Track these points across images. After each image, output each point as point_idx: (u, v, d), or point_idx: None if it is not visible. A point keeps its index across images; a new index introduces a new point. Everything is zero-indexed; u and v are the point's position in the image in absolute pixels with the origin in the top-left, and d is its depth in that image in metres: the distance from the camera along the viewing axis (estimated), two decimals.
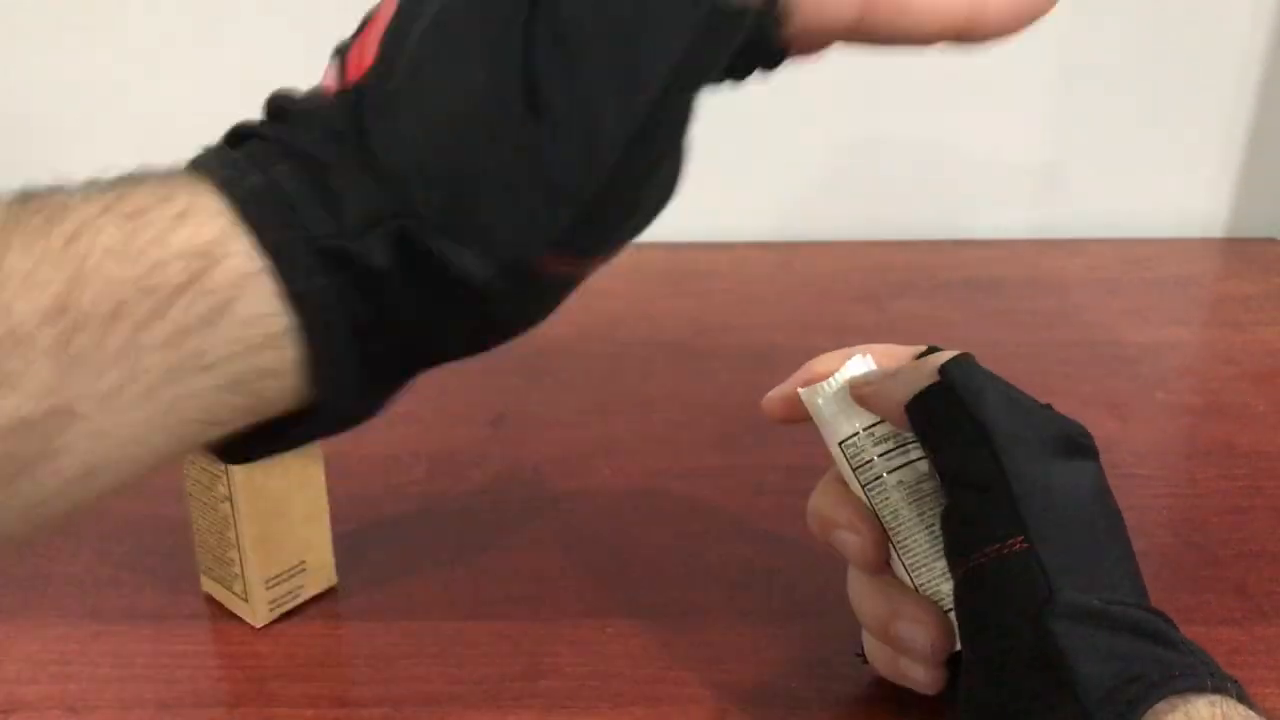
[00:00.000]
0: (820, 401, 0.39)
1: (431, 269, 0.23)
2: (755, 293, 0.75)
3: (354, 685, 0.42)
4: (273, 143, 0.24)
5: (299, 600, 0.46)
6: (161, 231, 0.22)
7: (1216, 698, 0.28)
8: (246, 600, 0.44)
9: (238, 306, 0.23)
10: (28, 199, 0.22)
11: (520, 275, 0.24)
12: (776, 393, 0.40)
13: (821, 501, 0.40)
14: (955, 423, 0.34)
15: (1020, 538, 0.32)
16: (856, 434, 0.38)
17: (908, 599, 0.38)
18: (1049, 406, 0.36)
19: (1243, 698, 0.29)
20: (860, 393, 0.37)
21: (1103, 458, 0.35)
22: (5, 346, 0.21)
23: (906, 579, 0.38)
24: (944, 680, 0.38)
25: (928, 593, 0.38)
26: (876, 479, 0.38)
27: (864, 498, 0.39)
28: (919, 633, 0.37)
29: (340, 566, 0.47)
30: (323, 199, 0.23)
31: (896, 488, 0.38)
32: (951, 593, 0.37)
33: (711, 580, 0.48)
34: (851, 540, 0.38)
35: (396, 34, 0.24)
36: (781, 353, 0.66)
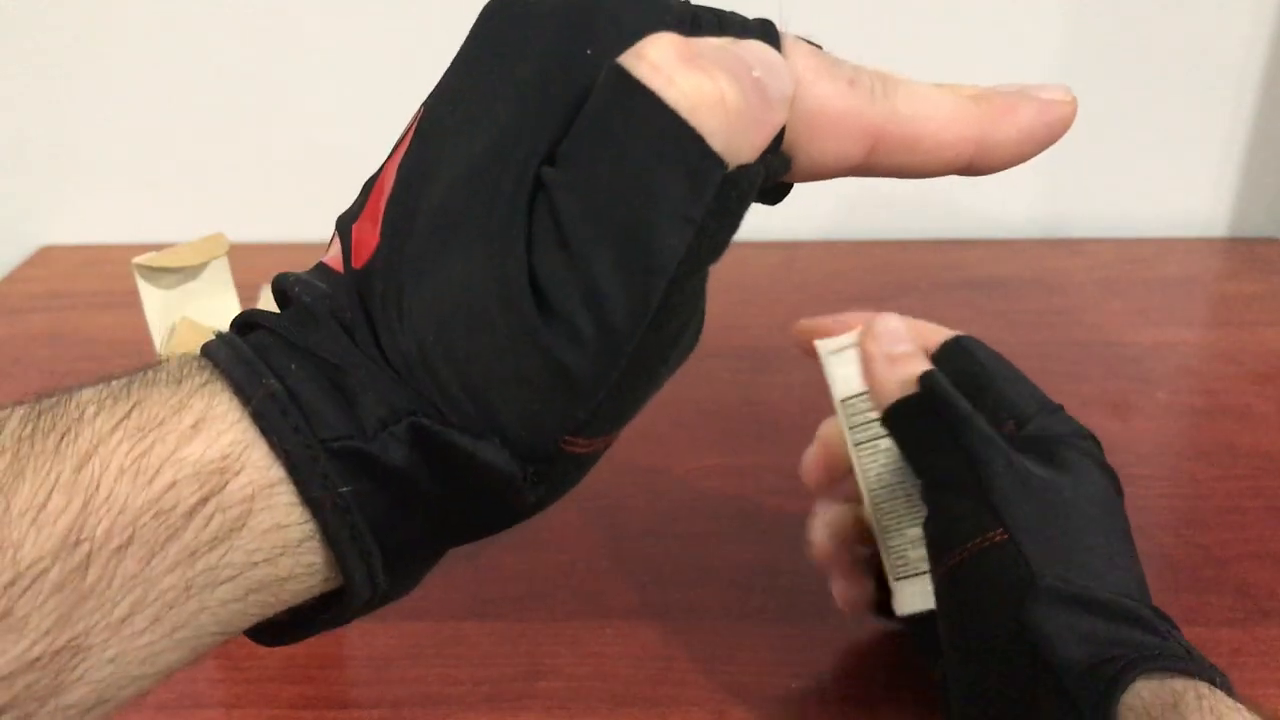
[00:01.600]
0: (831, 357, 0.40)
1: (450, 462, 0.23)
2: (755, 293, 0.75)
3: (353, 686, 0.42)
4: (282, 340, 0.23)
5: None
6: (175, 446, 0.22)
7: (1200, 683, 0.29)
8: None
9: (254, 520, 0.22)
10: (42, 413, 0.22)
11: (541, 462, 0.24)
12: (808, 323, 0.42)
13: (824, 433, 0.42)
14: (932, 431, 0.36)
15: (1000, 529, 0.32)
16: (860, 395, 0.39)
17: (824, 507, 0.42)
18: (1060, 409, 0.36)
19: (1223, 685, 0.29)
20: (865, 370, 0.39)
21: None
22: (14, 591, 0.20)
23: (879, 540, 0.40)
24: (870, 593, 0.42)
25: (895, 555, 0.39)
26: (870, 440, 0.39)
27: (853, 456, 0.40)
28: (817, 522, 0.41)
29: None
30: (336, 400, 0.22)
31: (886, 452, 0.39)
32: (919, 560, 0.39)
33: (711, 580, 0.48)
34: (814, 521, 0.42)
35: (399, 212, 0.24)
36: (781, 353, 0.66)
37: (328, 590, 0.24)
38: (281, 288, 0.25)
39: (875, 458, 0.39)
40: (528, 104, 0.23)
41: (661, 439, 0.58)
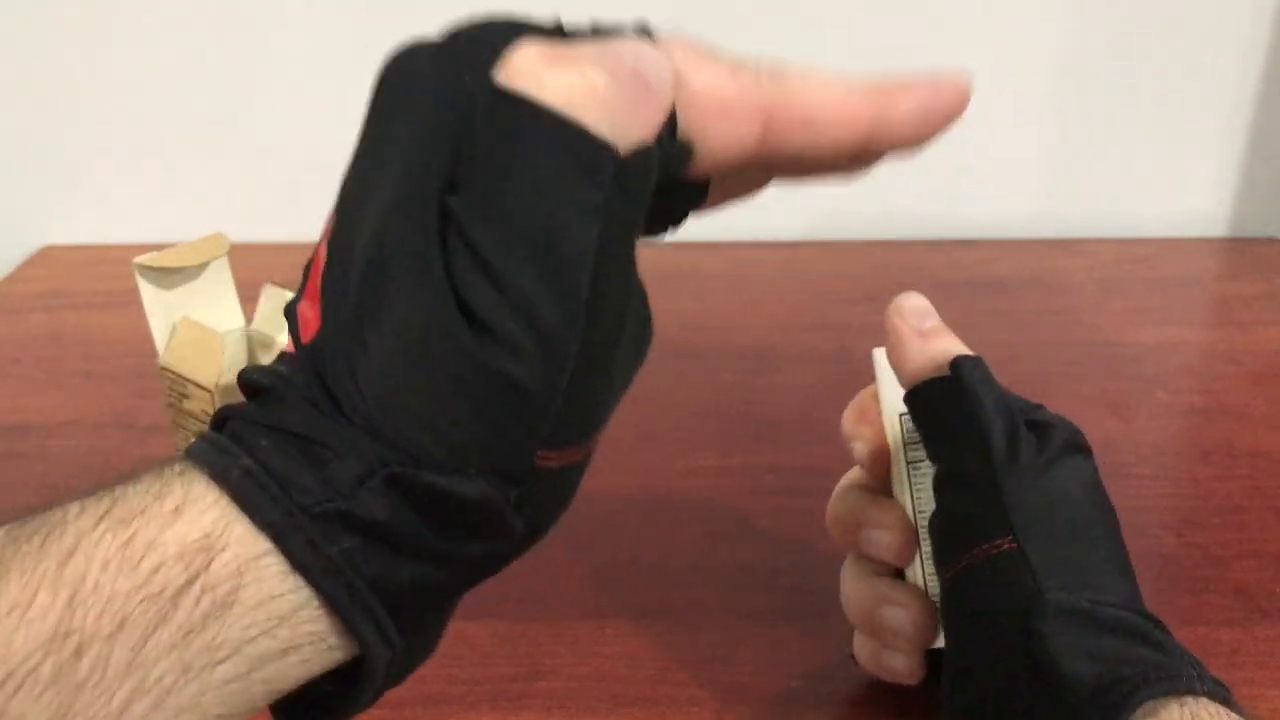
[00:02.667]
0: (890, 372, 0.39)
1: (432, 503, 0.23)
2: (755, 293, 0.75)
3: None
4: (251, 423, 0.24)
5: None
6: (158, 531, 0.22)
7: (1208, 703, 0.28)
8: None
9: (244, 594, 0.22)
10: (26, 521, 0.22)
11: (523, 482, 0.24)
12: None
13: (843, 506, 0.40)
14: (954, 419, 0.35)
15: (1009, 538, 0.32)
16: None
17: (893, 586, 0.38)
18: (1041, 407, 0.36)
19: (1228, 701, 0.29)
20: (890, 357, 0.38)
21: (1104, 458, 0.35)
22: (7, 690, 0.20)
23: (920, 565, 0.38)
24: (923, 672, 0.39)
25: None
26: (925, 459, 0.38)
27: (904, 474, 0.38)
28: (902, 616, 0.38)
29: None
30: (309, 467, 0.23)
31: None
32: None
33: (711, 580, 0.48)
34: (882, 537, 0.38)
35: (332, 284, 0.24)
36: (781, 353, 0.66)
37: (346, 661, 0.24)
38: (247, 380, 0.25)
39: (931, 474, 0.37)
40: (418, 144, 0.24)
41: (661, 439, 0.58)
